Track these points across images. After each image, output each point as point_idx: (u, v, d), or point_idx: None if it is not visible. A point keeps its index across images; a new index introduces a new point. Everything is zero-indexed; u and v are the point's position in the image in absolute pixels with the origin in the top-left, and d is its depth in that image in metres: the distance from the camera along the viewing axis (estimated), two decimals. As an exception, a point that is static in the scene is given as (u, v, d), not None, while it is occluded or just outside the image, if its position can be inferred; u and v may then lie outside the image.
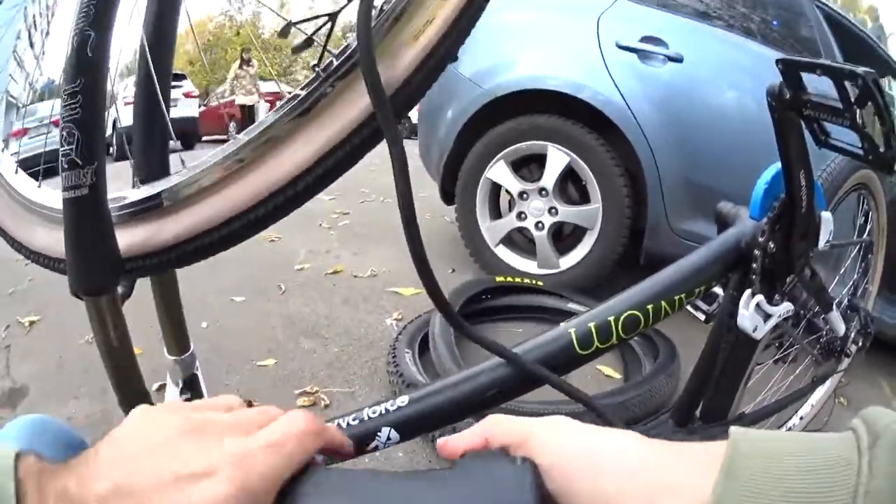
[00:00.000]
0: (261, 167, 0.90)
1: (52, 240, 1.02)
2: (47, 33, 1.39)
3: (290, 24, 0.92)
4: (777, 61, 0.99)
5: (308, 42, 0.91)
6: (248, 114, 14.79)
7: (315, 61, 0.89)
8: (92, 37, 0.79)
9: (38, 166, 1.19)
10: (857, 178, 1.81)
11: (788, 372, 1.88)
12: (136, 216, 0.96)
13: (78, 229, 0.85)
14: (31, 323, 3.19)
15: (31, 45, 1.43)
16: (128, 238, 0.94)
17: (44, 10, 1.41)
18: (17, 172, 1.21)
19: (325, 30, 0.90)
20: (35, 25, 1.42)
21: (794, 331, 1.44)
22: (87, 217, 0.85)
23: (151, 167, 1.29)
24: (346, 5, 0.88)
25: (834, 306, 1.47)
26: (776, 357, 1.69)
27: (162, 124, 1.32)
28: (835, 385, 2.21)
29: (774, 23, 3.66)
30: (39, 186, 1.14)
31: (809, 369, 1.86)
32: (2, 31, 1.42)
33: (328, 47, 0.90)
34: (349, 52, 0.87)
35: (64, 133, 0.81)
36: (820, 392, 2.18)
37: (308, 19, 0.89)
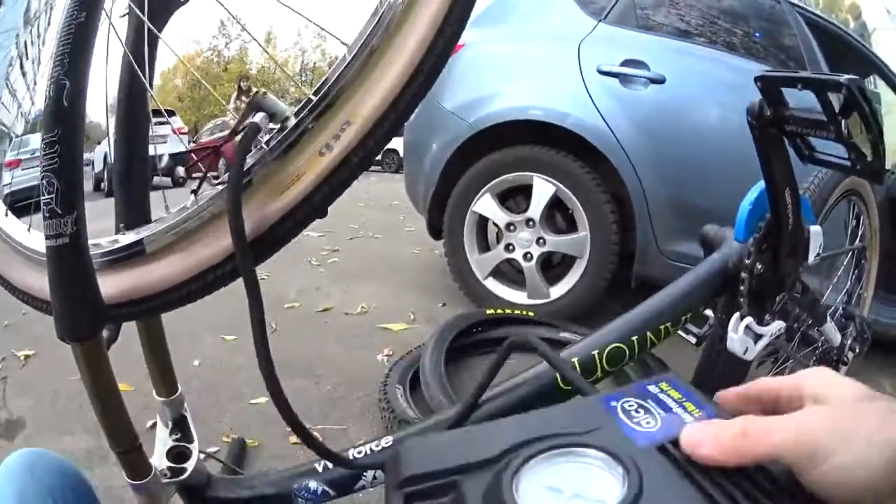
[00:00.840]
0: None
1: (39, 282, 1.03)
2: (38, 62, 1.39)
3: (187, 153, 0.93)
4: (756, 79, 0.98)
5: (203, 177, 0.95)
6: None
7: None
8: (67, 86, 0.79)
9: (31, 199, 1.18)
10: (846, 185, 1.81)
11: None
12: (119, 263, 0.96)
13: (61, 277, 0.85)
14: (27, 357, 3.20)
15: (23, 73, 1.44)
16: (111, 284, 0.94)
17: (35, 37, 1.41)
18: (6, 216, 1.20)
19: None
20: (27, 53, 1.42)
21: (788, 346, 1.43)
22: (69, 265, 0.84)
23: (133, 210, 1.28)
24: (225, 142, 0.94)
25: (828, 317, 1.45)
26: (771, 373, 1.67)
27: (141, 166, 1.31)
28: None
29: (756, 35, 3.67)
30: (29, 231, 1.13)
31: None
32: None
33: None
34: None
35: (44, 182, 0.81)
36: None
37: (193, 150, 0.91)
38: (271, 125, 0.89)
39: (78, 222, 0.82)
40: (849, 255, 2.10)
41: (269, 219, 0.87)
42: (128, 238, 0.96)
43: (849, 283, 2.11)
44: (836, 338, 1.56)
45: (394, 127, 0.87)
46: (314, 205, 0.87)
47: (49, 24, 1.37)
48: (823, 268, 2.04)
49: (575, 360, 0.93)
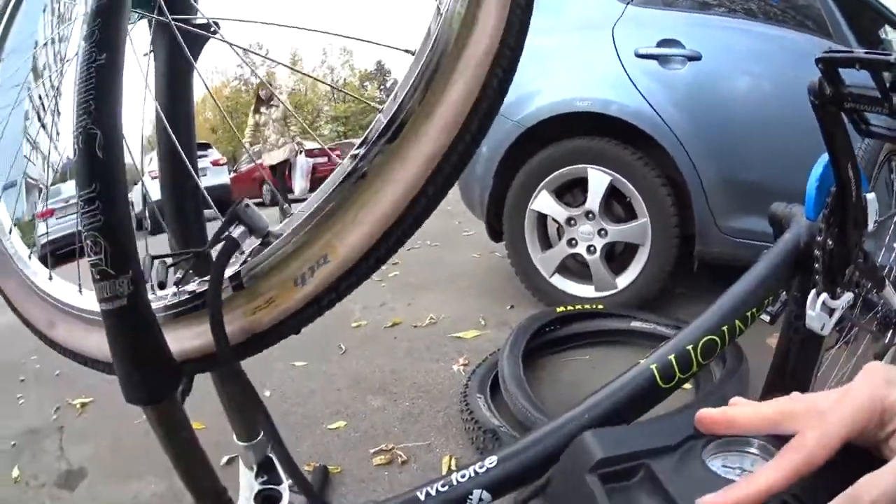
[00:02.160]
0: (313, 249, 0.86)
1: (99, 344, 0.98)
2: (58, 112, 1.37)
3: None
4: (816, 60, 0.98)
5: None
6: (283, 173, 11.10)
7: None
8: (98, 136, 0.74)
9: (67, 247, 1.13)
10: (888, 147, 1.79)
11: (851, 353, 1.85)
12: (187, 315, 0.92)
13: (123, 341, 0.80)
14: (83, 405, 3.23)
15: (43, 125, 1.42)
16: (180, 339, 0.90)
17: (49, 89, 1.40)
18: (51, 279, 1.18)
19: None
20: (43, 106, 1.42)
21: (851, 313, 1.42)
22: (131, 327, 0.80)
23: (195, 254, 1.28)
24: (208, 246, 0.91)
25: (886, 280, 1.44)
26: (839, 342, 1.66)
27: (194, 202, 1.30)
28: (893, 356, 2.17)
29: (774, 1, 3.62)
30: (81, 292, 1.12)
31: (869, 346, 1.84)
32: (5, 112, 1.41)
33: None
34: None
35: (89, 242, 0.76)
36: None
37: (172, 255, 0.90)
38: (252, 239, 0.87)
39: (135, 281, 0.78)
40: (896, 216, 2.07)
41: (235, 338, 0.86)
42: (195, 288, 0.93)
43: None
44: (895, 300, 1.55)
45: (375, 266, 0.86)
46: (281, 334, 0.87)
47: (62, 75, 1.35)
48: (875, 230, 2.03)
49: (672, 357, 0.92)
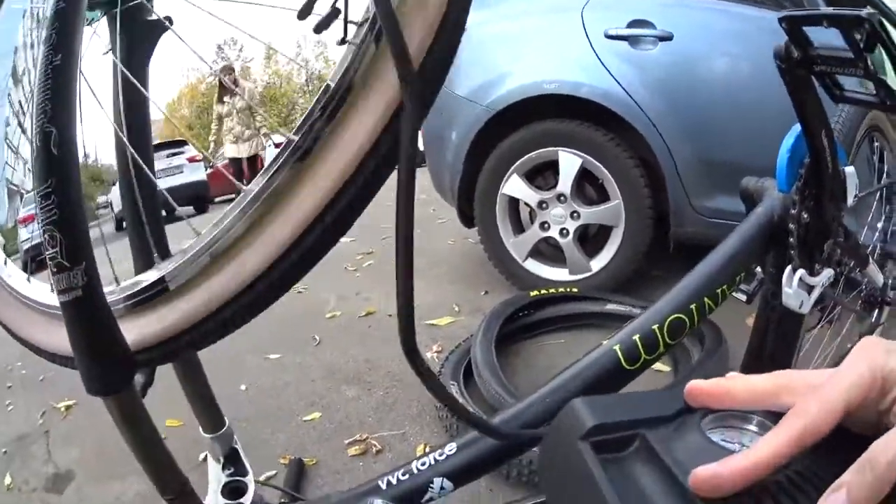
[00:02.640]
0: (266, 229, 0.85)
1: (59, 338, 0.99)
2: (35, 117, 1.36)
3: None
4: (780, 19, 0.94)
5: (333, 14, 0.87)
6: (250, 168, 10.04)
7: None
8: (54, 133, 0.75)
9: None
10: (867, 122, 1.78)
11: (834, 333, 1.83)
12: (142, 305, 0.91)
13: (79, 331, 0.80)
14: (67, 408, 3.22)
15: (23, 130, 1.41)
16: (136, 330, 0.89)
17: (28, 94, 1.39)
18: (29, 282, 1.17)
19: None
20: (23, 111, 1.40)
21: (833, 292, 1.40)
22: (87, 317, 0.80)
23: (150, 248, 1.27)
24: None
25: (869, 258, 1.42)
26: (821, 322, 1.64)
27: (150, 202, 1.28)
28: (879, 336, 2.17)
29: None
30: (53, 291, 1.11)
31: (854, 326, 1.83)
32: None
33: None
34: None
35: (46, 236, 0.77)
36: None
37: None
38: None
39: (89, 272, 0.78)
40: (878, 193, 2.06)
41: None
42: (149, 277, 0.92)
43: (882, 220, 2.08)
44: (879, 278, 1.54)
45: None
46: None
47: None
48: (856, 208, 2.03)
49: (636, 337, 0.89)
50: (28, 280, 1.17)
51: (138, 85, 1.19)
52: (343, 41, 0.81)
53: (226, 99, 9.77)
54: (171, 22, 1.17)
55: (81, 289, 0.77)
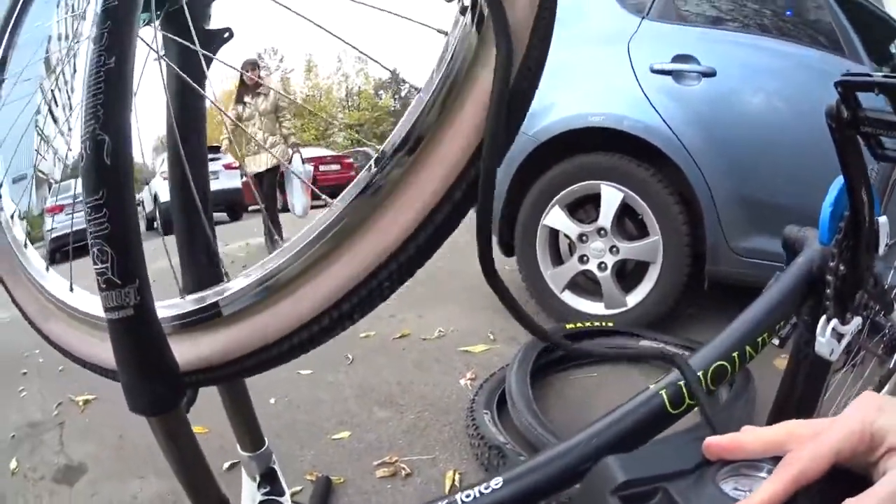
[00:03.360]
0: (333, 264, 0.82)
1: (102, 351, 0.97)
2: (70, 108, 1.37)
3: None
4: (835, 84, 0.98)
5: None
6: (272, 183, 8.29)
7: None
8: (107, 141, 0.72)
9: (74, 244, 1.10)
10: (897, 172, 1.79)
11: (857, 376, 1.84)
12: (195, 326, 0.90)
13: (128, 351, 0.79)
14: (86, 402, 3.26)
15: (55, 120, 1.42)
16: (186, 350, 0.88)
17: (62, 84, 1.39)
18: (72, 290, 1.15)
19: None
20: (55, 100, 1.41)
21: (859, 337, 1.41)
22: (137, 338, 0.78)
23: (202, 266, 1.25)
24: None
25: (894, 303, 1.44)
26: (845, 366, 1.66)
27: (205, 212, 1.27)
28: (896, 382, 2.18)
29: (788, 13, 3.63)
30: (72, 290, 1.11)
31: (875, 370, 1.84)
32: (19, 105, 1.40)
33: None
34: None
35: (95, 250, 0.74)
36: (886, 389, 2.16)
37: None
38: None
39: (142, 291, 0.76)
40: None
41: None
42: (202, 299, 0.91)
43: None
44: (902, 323, 1.56)
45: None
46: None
47: (75, 70, 1.34)
48: (885, 253, 2.04)
49: (681, 382, 0.91)
50: (71, 289, 1.14)
51: (205, 94, 1.17)
52: None
53: (247, 99, 7.95)
54: (232, 34, 1.16)
55: (133, 308, 0.75)
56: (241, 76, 7.89)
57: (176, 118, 1.20)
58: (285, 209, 8.74)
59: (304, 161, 8.53)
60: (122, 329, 0.77)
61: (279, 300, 0.85)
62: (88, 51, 0.78)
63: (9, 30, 1.38)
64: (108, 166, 0.73)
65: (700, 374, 0.93)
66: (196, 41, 1.08)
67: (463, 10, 0.76)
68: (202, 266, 1.25)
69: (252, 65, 8.40)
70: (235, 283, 0.89)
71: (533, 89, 0.79)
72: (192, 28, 1.07)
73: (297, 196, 8.05)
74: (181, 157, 1.19)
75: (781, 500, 0.47)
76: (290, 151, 8.08)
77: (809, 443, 0.49)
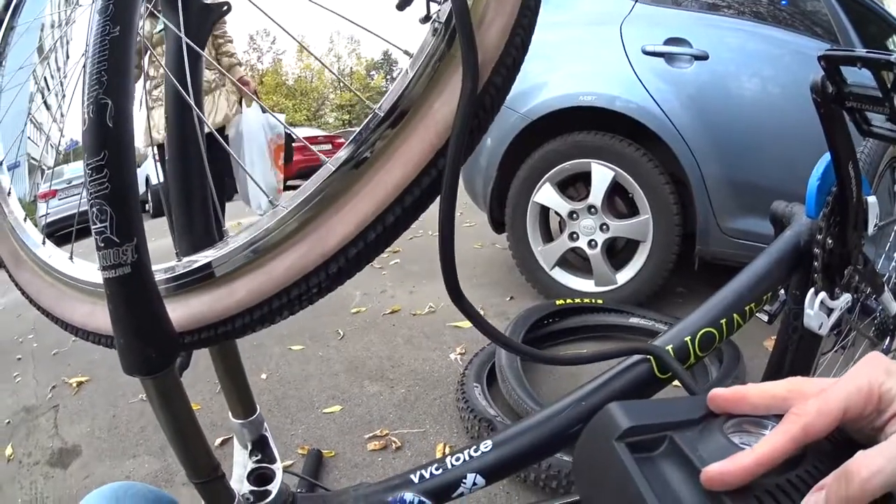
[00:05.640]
0: (320, 227, 0.85)
1: (98, 315, 0.99)
2: (62, 95, 1.36)
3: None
4: (819, 57, 0.99)
5: None
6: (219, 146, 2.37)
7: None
8: (109, 105, 0.73)
9: (69, 228, 1.12)
10: (890, 154, 1.80)
11: (847, 359, 1.86)
12: (188, 287, 0.91)
13: (125, 310, 0.79)
14: (79, 384, 3.25)
15: (47, 107, 1.42)
16: (180, 311, 0.89)
17: (54, 71, 1.40)
18: (44, 243, 1.17)
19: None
20: (48, 87, 1.41)
21: (850, 317, 1.43)
22: (134, 296, 0.78)
23: (198, 230, 1.25)
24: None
25: (885, 286, 1.45)
26: (836, 346, 1.68)
27: (199, 183, 1.27)
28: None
29: (783, 2, 3.64)
30: (72, 259, 1.09)
31: (866, 352, 1.86)
32: (11, 93, 1.40)
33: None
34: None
35: (94, 210, 0.75)
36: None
37: None
38: None
39: (139, 249, 0.77)
40: (897, 223, 2.09)
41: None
42: (196, 260, 0.91)
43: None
44: (893, 307, 1.56)
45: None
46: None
47: (68, 56, 1.35)
48: (875, 237, 2.05)
49: (670, 347, 0.93)
50: (71, 259, 1.13)
51: (209, 60, 1.17)
52: (427, 18, 0.81)
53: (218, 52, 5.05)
54: (230, 7, 1.14)
55: (130, 265, 0.76)
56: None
57: (175, 91, 1.19)
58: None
59: (264, 111, 5.59)
60: (118, 287, 0.78)
61: (270, 260, 0.86)
62: (92, 22, 0.78)
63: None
64: (110, 129, 0.74)
65: (687, 339, 0.95)
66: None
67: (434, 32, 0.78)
68: (199, 228, 1.25)
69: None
70: (226, 245, 0.90)
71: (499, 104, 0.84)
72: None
73: (258, 172, 4.98)
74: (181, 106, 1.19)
75: (786, 452, 0.46)
76: (239, 104, 5.15)
77: (815, 397, 0.48)
